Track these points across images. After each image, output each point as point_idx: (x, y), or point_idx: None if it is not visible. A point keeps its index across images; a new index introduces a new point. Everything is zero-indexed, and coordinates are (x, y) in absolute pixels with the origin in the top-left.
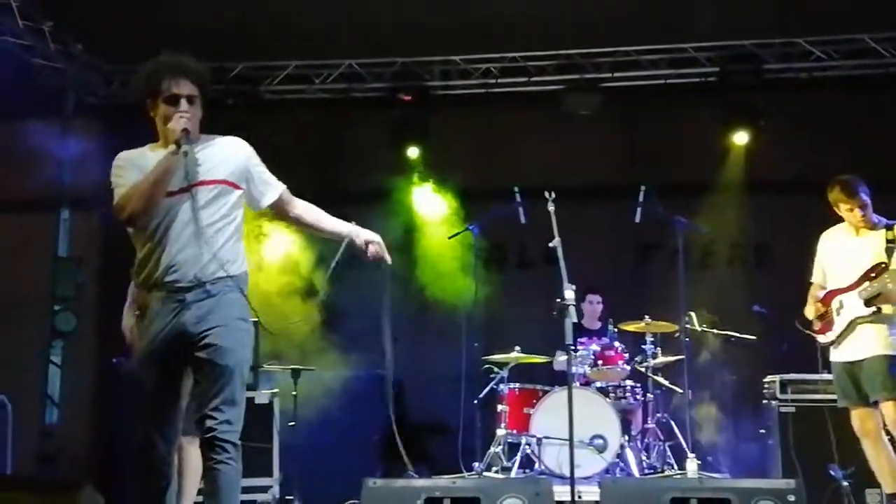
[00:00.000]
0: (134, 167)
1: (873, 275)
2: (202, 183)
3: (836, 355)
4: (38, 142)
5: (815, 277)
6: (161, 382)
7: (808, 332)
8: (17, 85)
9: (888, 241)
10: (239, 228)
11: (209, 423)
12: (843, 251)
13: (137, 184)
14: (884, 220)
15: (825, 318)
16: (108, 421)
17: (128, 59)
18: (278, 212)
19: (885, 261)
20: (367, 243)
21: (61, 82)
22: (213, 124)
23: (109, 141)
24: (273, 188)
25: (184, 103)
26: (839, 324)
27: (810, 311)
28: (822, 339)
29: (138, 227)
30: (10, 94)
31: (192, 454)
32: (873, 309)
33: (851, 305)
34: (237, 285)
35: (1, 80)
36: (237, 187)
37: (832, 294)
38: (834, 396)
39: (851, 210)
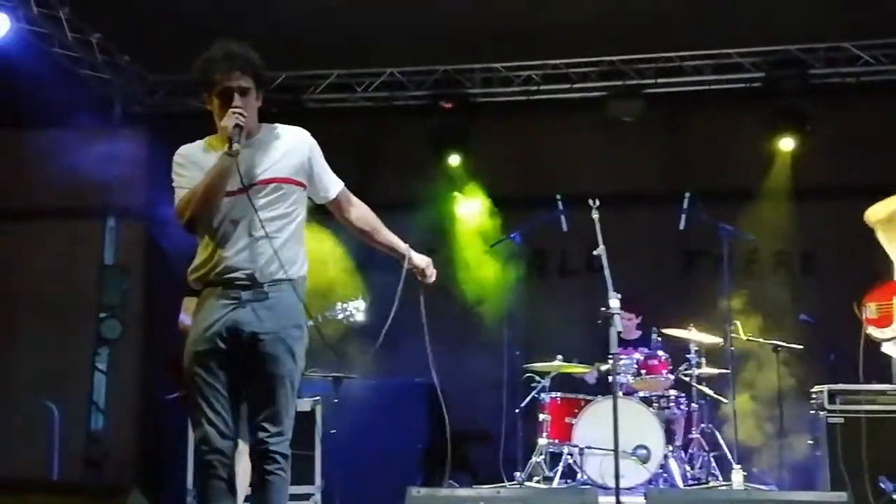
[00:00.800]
0: (192, 165)
1: None
2: (261, 182)
3: None
4: (85, 150)
5: None
6: (211, 377)
7: (862, 317)
8: (65, 95)
9: None
10: (300, 227)
11: (261, 434)
12: None
13: (194, 189)
14: None
15: (883, 311)
16: (152, 427)
17: (172, 69)
18: (335, 210)
19: None
20: (418, 267)
21: (108, 92)
22: None
23: (154, 150)
24: (334, 184)
25: (236, 98)
26: None
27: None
28: (874, 331)
29: (199, 231)
30: (58, 104)
31: (242, 457)
32: None
33: None
34: (295, 289)
35: (50, 90)
36: (298, 184)
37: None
38: (883, 407)
39: None
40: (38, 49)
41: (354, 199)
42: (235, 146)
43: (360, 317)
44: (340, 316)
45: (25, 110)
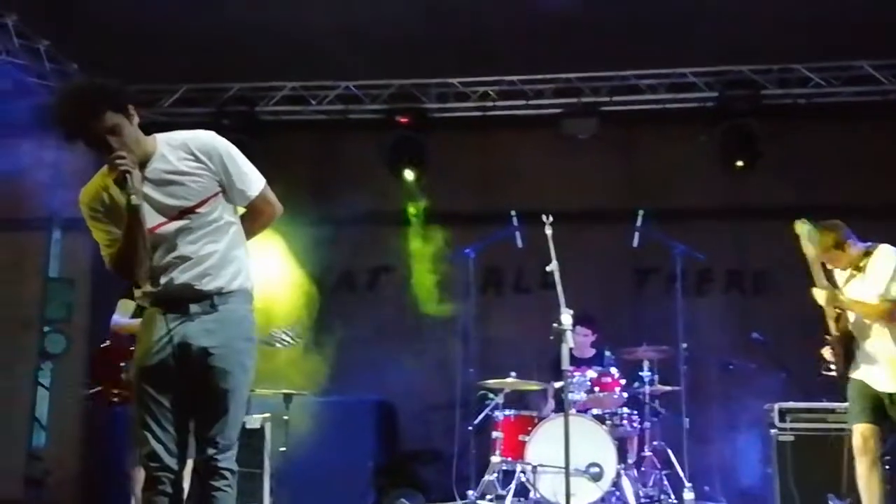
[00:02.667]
0: (101, 213)
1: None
2: (178, 215)
3: (858, 374)
4: (31, 161)
5: None
6: (159, 393)
7: (828, 373)
8: (11, 104)
9: (853, 269)
10: (237, 232)
11: (210, 450)
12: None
13: (119, 251)
14: (862, 246)
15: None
16: (95, 445)
17: (123, 78)
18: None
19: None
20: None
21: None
22: None
23: (102, 161)
24: (251, 187)
25: (111, 141)
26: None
27: (827, 352)
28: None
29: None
30: (4, 113)
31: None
32: None
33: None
34: (243, 301)
35: None
36: (216, 195)
37: None
38: (833, 425)
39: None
40: None
41: (264, 209)
42: (134, 199)
43: (289, 344)
44: (276, 343)
45: None
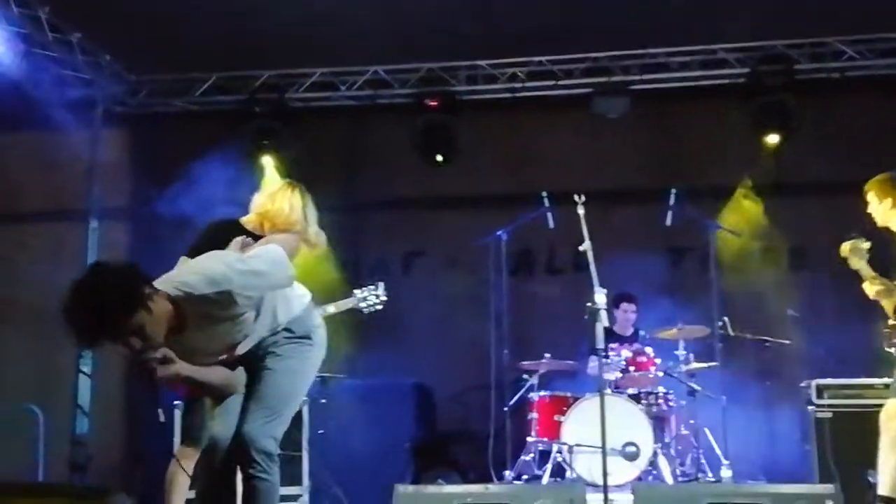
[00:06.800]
0: None
1: None
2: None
3: None
4: (67, 152)
5: None
6: None
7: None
8: (46, 96)
9: None
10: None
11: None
12: None
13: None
14: None
15: None
16: (138, 430)
17: (155, 68)
18: None
19: None
20: None
21: (89, 92)
22: (240, 133)
23: (137, 150)
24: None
25: (132, 343)
26: None
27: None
28: None
29: None
30: (40, 105)
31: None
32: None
33: None
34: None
35: (31, 90)
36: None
37: None
38: (871, 401)
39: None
40: (19, 50)
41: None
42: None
43: (379, 305)
44: (362, 305)
45: (5, 112)
